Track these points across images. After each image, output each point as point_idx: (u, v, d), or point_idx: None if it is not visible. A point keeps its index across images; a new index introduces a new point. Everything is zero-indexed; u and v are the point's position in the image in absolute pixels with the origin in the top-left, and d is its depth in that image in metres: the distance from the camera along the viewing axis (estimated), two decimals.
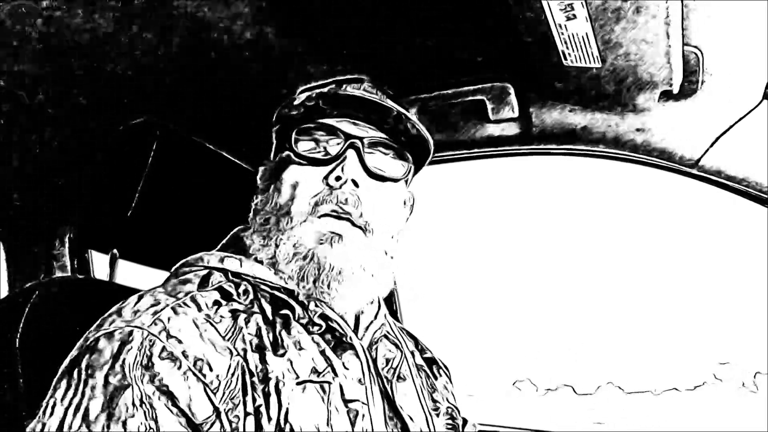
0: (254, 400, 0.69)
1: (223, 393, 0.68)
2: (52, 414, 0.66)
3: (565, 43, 0.95)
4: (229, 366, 0.69)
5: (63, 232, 1.38)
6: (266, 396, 0.70)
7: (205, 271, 0.79)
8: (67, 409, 0.65)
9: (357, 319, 0.84)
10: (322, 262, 0.77)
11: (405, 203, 0.90)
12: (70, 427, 0.64)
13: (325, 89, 0.83)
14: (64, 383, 0.67)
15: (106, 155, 1.01)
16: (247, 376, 0.70)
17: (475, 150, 1.25)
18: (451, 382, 0.99)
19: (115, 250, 1.01)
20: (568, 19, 0.90)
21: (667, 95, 1.07)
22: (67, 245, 1.37)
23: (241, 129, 1.24)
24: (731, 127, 1.08)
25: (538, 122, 1.18)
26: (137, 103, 1.12)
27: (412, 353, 0.93)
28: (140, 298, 0.74)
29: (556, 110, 1.16)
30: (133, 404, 0.64)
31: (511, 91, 1.15)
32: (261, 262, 0.79)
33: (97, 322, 0.72)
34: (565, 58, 0.99)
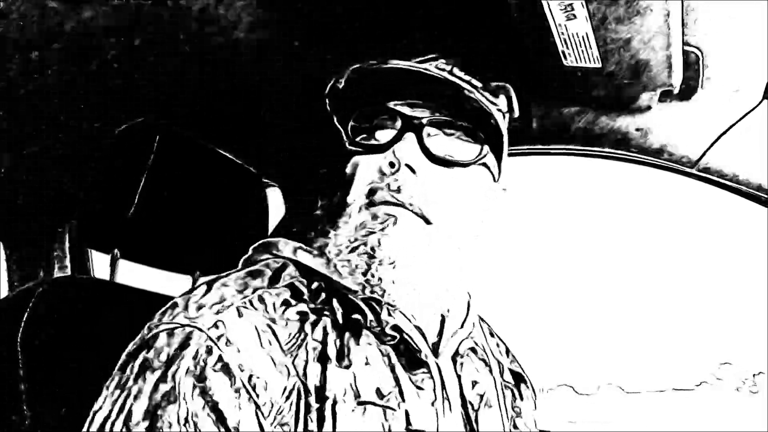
0: (306, 424, 0.64)
1: (274, 418, 0.63)
2: (101, 406, 0.63)
3: (565, 43, 0.95)
4: (285, 388, 0.64)
5: (63, 232, 1.38)
6: (321, 418, 0.64)
7: (280, 263, 0.73)
8: (114, 403, 0.63)
9: (441, 325, 0.76)
10: (373, 250, 0.70)
11: (486, 192, 0.79)
12: (112, 426, 0.61)
13: (366, 65, 0.76)
14: (118, 377, 0.65)
15: (107, 155, 1.01)
16: (303, 399, 0.64)
17: None
18: (535, 407, 0.90)
19: (116, 250, 1.01)
20: (568, 19, 0.90)
21: (667, 95, 1.07)
22: (67, 245, 1.37)
23: (241, 129, 1.24)
24: (731, 127, 1.08)
25: (538, 122, 1.18)
26: (137, 103, 1.12)
27: (501, 368, 0.84)
28: (209, 287, 0.69)
29: (556, 110, 1.16)
30: (178, 422, 0.60)
31: (511, 91, 1.15)
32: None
33: (163, 309, 0.68)
34: (565, 58, 0.99)
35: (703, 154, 1.11)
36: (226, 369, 0.62)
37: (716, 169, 1.11)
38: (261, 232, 1.18)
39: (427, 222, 0.72)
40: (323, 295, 0.71)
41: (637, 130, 1.13)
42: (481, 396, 0.77)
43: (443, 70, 0.76)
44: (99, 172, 1.00)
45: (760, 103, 1.05)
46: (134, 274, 1.04)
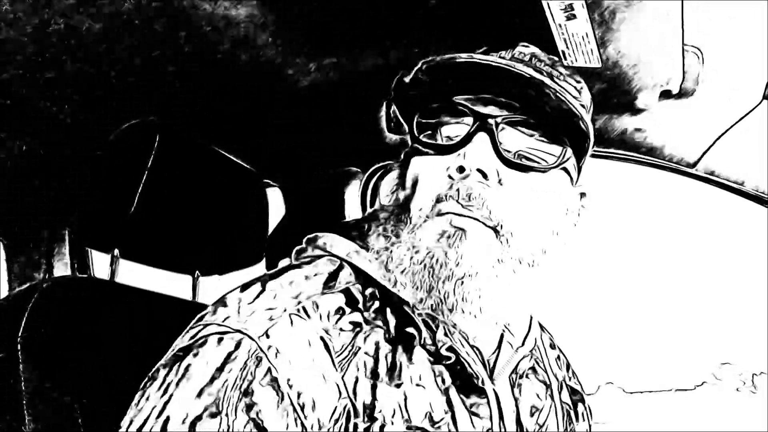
0: None
1: None
2: (142, 407, 0.60)
3: (565, 43, 0.95)
4: (335, 409, 0.60)
5: (63, 232, 1.38)
6: None
7: (336, 265, 0.69)
8: (153, 408, 0.59)
9: (499, 342, 0.71)
10: (439, 264, 0.64)
11: (563, 199, 0.73)
12: (150, 429, 0.58)
13: (439, 58, 0.68)
14: (162, 376, 0.61)
15: (107, 155, 1.01)
16: (351, 421, 0.61)
17: None
18: (590, 429, 0.87)
19: (115, 250, 1.01)
20: (568, 19, 0.90)
21: (667, 95, 1.08)
22: (67, 245, 1.38)
23: (241, 129, 1.24)
24: (731, 127, 1.08)
25: None
26: (137, 103, 1.12)
27: (560, 387, 0.80)
28: (263, 286, 0.66)
29: None
30: None
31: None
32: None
33: (215, 306, 0.65)
34: (565, 58, 0.99)
35: (703, 155, 1.11)
36: (275, 384, 0.59)
37: (716, 169, 1.11)
38: (261, 232, 1.18)
39: (498, 234, 0.66)
40: (377, 303, 0.67)
41: (637, 130, 1.13)
42: (541, 426, 0.73)
43: (520, 61, 0.70)
44: (99, 172, 1.00)
45: (760, 103, 1.05)
46: (134, 274, 1.04)
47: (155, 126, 0.96)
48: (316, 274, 0.68)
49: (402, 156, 0.75)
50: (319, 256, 0.71)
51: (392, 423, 0.62)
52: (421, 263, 0.65)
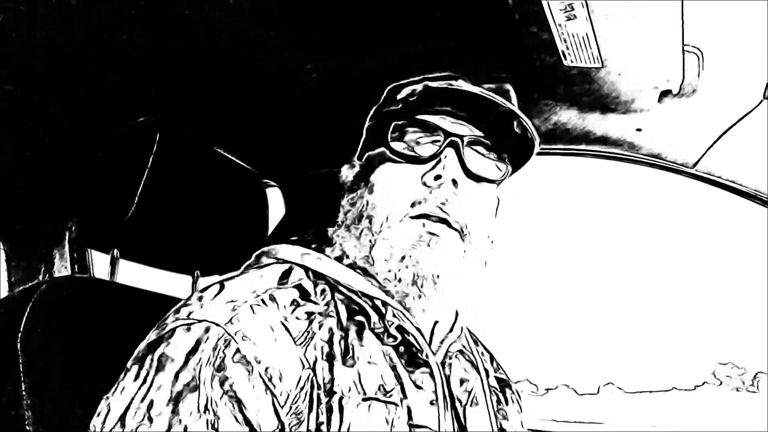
0: (317, 416, 0.67)
1: (290, 408, 0.66)
2: (118, 398, 0.65)
3: (565, 43, 0.95)
4: (299, 379, 0.67)
5: (63, 232, 1.38)
6: (329, 411, 0.68)
7: (286, 266, 0.77)
8: (134, 395, 0.64)
9: (432, 329, 0.81)
10: (419, 264, 0.74)
11: (495, 204, 0.86)
12: (134, 415, 0.63)
13: (431, 83, 0.80)
14: (136, 368, 0.66)
15: (106, 155, 1.01)
16: (315, 390, 0.68)
17: None
18: (521, 411, 0.94)
19: (115, 250, 1.01)
20: (568, 19, 0.90)
21: (666, 95, 1.08)
22: (67, 245, 1.38)
23: (241, 129, 1.24)
24: (731, 127, 1.08)
25: (538, 122, 1.18)
26: (137, 103, 1.12)
27: (487, 372, 0.88)
28: (221, 287, 0.72)
29: (556, 110, 1.16)
30: (198, 409, 0.62)
31: (512, 91, 1.15)
32: (352, 265, 0.77)
33: (177, 308, 0.71)
34: (565, 58, 0.99)
35: (703, 155, 1.11)
36: (244, 360, 0.65)
37: (715, 169, 1.11)
38: (261, 232, 1.18)
39: (462, 234, 0.77)
40: (328, 297, 0.75)
41: (637, 130, 1.13)
42: (469, 393, 0.81)
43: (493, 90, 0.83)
44: (99, 172, 1.00)
45: (760, 103, 1.05)
46: (134, 274, 1.04)
47: (155, 126, 0.96)
48: (270, 274, 0.76)
49: (364, 160, 0.84)
50: (271, 264, 0.79)
51: (349, 397, 0.69)
52: (402, 260, 0.75)
